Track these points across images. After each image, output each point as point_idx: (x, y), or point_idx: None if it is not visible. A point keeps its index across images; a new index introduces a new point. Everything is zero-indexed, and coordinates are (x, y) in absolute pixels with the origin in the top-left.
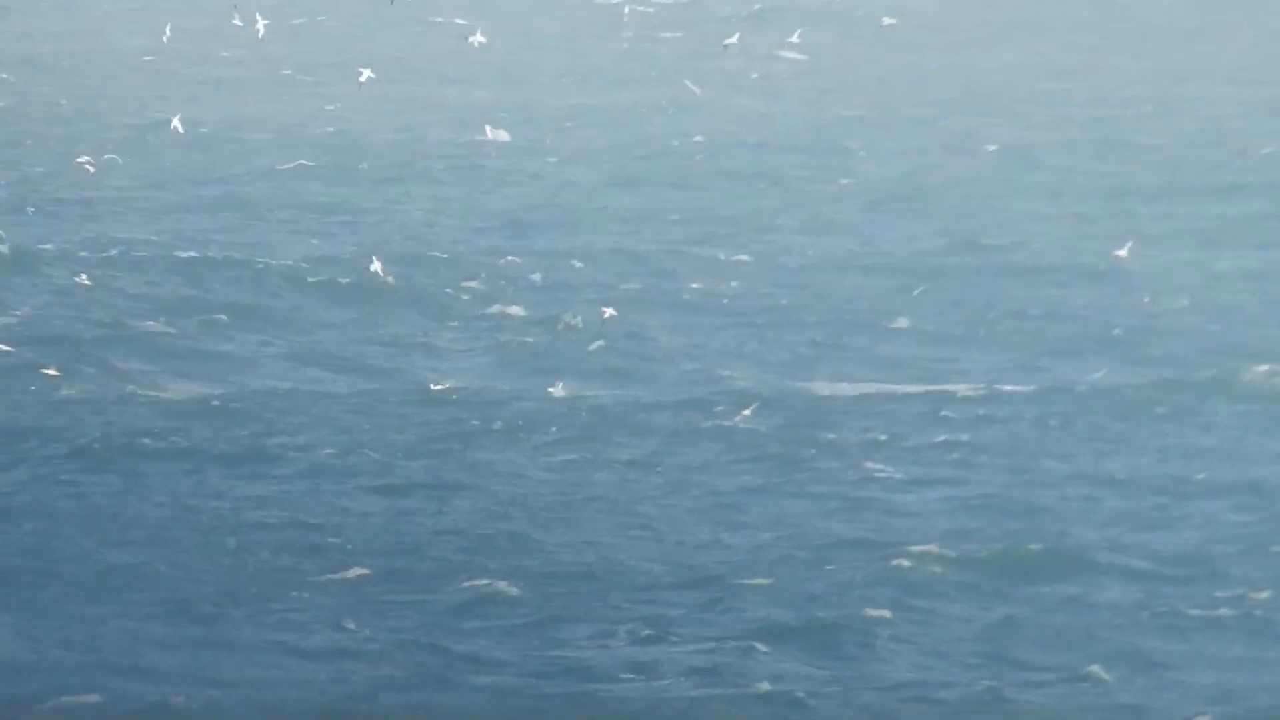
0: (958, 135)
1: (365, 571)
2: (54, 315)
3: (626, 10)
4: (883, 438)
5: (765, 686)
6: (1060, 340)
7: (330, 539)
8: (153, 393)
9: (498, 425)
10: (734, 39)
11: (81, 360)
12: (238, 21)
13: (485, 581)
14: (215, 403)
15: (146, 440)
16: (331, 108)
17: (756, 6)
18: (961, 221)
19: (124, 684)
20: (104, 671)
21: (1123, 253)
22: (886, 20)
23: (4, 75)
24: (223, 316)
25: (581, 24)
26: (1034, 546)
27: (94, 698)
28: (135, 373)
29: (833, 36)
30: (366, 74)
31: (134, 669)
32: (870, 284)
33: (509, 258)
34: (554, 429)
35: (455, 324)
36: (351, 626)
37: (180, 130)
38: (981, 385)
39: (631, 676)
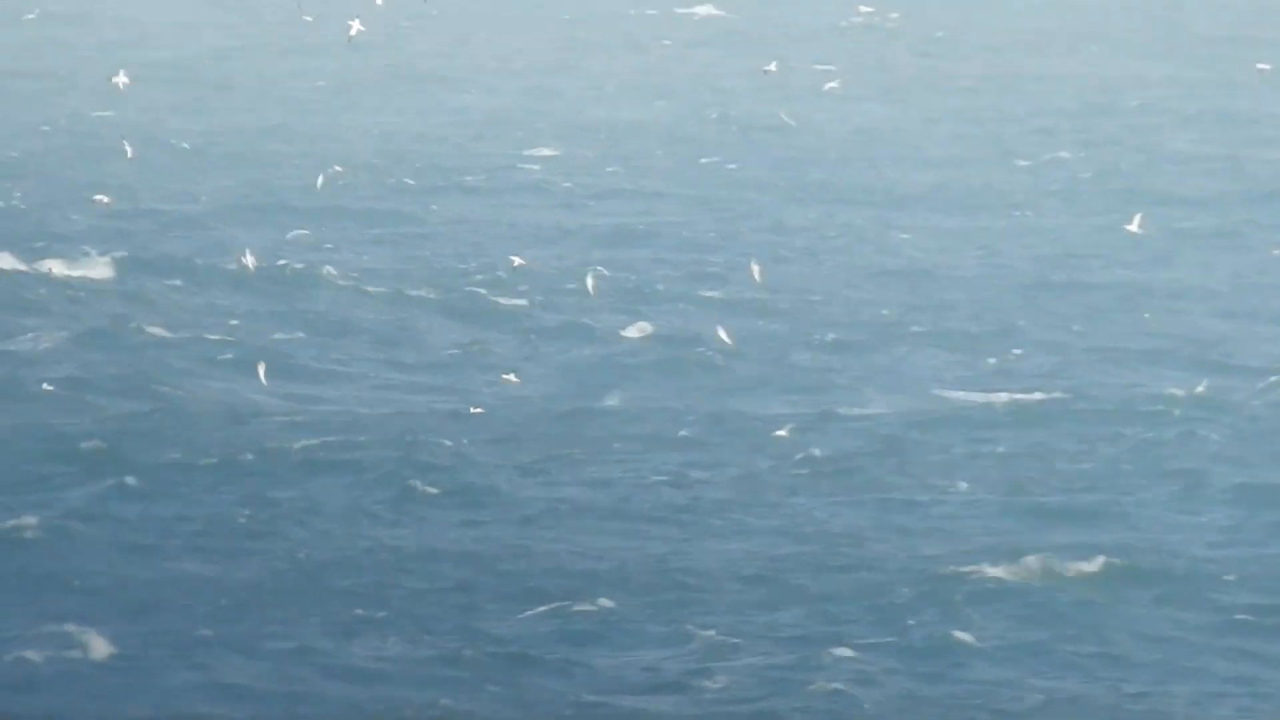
0: (994, 145)
1: (428, 583)
2: (106, 326)
3: (660, 22)
4: (944, 447)
5: (833, 694)
6: (1104, 350)
7: (388, 552)
8: (199, 405)
9: (555, 435)
10: (773, 66)
11: (133, 374)
12: (304, 19)
13: (550, 590)
14: (280, 416)
15: (198, 451)
16: (370, 120)
17: (791, 24)
18: (999, 232)
19: (183, 701)
20: (160, 687)
21: (1166, 261)
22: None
23: (34, 85)
24: (271, 329)
25: (615, 37)
26: (1103, 557)
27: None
28: (184, 383)
29: (870, 48)
30: (356, 26)
31: (200, 685)
32: (911, 294)
33: (554, 268)
34: (611, 439)
35: (505, 336)
36: (423, 637)
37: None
38: (1035, 394)
39: (699, 686)
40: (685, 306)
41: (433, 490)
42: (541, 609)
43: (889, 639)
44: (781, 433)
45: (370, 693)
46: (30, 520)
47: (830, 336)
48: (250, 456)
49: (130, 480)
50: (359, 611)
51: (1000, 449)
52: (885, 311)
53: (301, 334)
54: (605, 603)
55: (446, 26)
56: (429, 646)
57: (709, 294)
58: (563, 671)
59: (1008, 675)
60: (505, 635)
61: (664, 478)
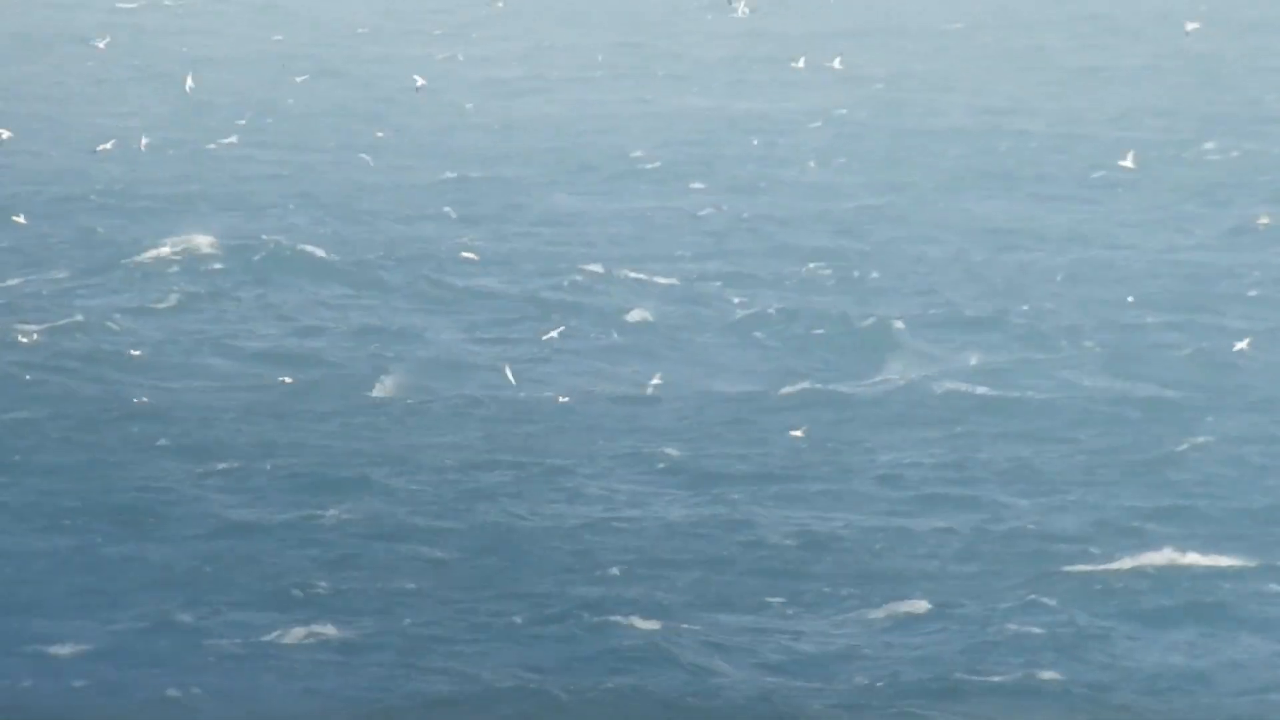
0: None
1: (609, 557)
2: (232, 311)
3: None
4: (1083, 440)
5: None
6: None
7: (530, 539)
8: (345, 386)
9: (730, 418)
10: (800, 62)
11: (276, 359)
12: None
13: (666, 579)
14: (404, 408)
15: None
16: (485, 117)
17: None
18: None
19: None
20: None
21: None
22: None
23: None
24: (405, 318)
25: (699, 38)
26: (1234, 547)
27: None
28: (318, 365)
29: (955, 53)
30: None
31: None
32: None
33: (683, 256)
34: (787, 423)
35: (664, 322)
36: (608, 610)
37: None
38: (1169, 390)
39: (855, 664)
40: (832, 291)
41: (614, 469)
42: (674, 595)
43: (1045, 618)
44: (924, 416)
45: (544, 653)
46: (203, 510)
47: (971, 326)
48: (429, 444)
49: (299, 461)
50: (546, 584)
51: (1131, 439)
52: (1019, 304)
53: (413, 324)
54: (783, 580)
55: (522, 27)
56: (612, 622)
57: (863, 276)
58: (730, 652)
59: (1157, 640)
60: (686, 606)
61: (833, 460)
